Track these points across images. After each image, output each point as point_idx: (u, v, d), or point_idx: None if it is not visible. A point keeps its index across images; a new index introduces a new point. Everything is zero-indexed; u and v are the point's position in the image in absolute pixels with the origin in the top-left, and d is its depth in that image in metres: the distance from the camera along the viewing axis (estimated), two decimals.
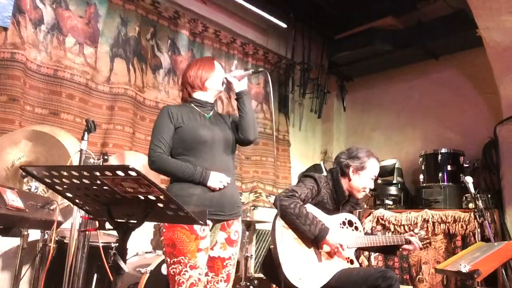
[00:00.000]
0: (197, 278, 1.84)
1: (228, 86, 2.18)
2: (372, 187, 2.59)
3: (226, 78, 2.15)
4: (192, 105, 2.11)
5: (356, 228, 2.57)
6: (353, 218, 2.59)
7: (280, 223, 2.39)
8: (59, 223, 2.25)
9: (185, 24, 4.29)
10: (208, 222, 1.95)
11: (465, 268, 2.16)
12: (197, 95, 2.13)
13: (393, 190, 4.46)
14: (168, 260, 1.89)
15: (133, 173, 1.12)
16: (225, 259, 2.01)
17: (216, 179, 1.94)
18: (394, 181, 4.55)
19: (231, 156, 2.11)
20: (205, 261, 1.92)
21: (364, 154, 2.57)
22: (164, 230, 1.90)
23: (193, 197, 1.91)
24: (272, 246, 2.34)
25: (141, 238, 3.54)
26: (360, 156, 2.56)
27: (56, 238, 2.57)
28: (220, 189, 1.95)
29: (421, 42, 4.68)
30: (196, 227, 1.88)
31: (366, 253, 3.98)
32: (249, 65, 4.91)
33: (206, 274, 1.97)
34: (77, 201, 1.36)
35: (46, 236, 2.70)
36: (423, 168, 4.37)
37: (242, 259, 3.76)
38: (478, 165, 4.31)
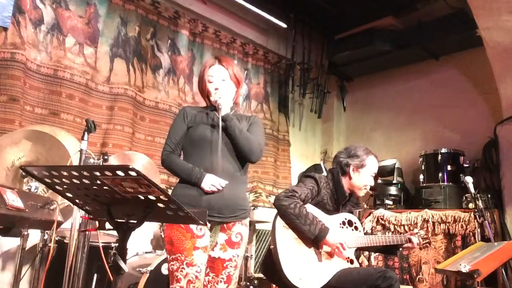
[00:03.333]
0: (194, 276, 1.87)
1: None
2: (373, 184, 2.60)
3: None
4: (208, 109, 2.14)
5: (356, 228, 2.57)
6: (353, 218, 2.59)
7: (280, 223, 2.38)
8: (59, 223, 2.25)
9: (185, 24, 4.28)
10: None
11: (465, 268, 2.16)
12: (210, 101, 2.13)
13: (393, 190, 4.45)
14: (168, 257, 1.95)
15: (133, 173, 1.12)
16: (225, 260, 2.01)
17: (208, 182, 1.93)
18: (394, 181, 4.54)
19: (236, 160, 2.04)
20: (204, 260, 1.94)
21: (362, 152, 2.59)
22: (165, 228, 1.99)
23: (189, 197, 1.93)
24: (272, 246, 2.34)
25: (141, 238, 3.55)
26: (359, 154, 2.57)
27: (56, 238, 2.58)
28: (213, 192, 1.94)
29: (421, 42, 4.68)
30: (192, 226, 1.91)
31: (366, 253, 3.98)
32: (249, 65, 4.91)
33: (208, 274, 1.99)
34: (77, 201, 1.36)
35: (46, 236, 2.70)
36: (423, 168, 4.37)
37: (242, 259, 3.75)
38: (478, 165, 4.30)
